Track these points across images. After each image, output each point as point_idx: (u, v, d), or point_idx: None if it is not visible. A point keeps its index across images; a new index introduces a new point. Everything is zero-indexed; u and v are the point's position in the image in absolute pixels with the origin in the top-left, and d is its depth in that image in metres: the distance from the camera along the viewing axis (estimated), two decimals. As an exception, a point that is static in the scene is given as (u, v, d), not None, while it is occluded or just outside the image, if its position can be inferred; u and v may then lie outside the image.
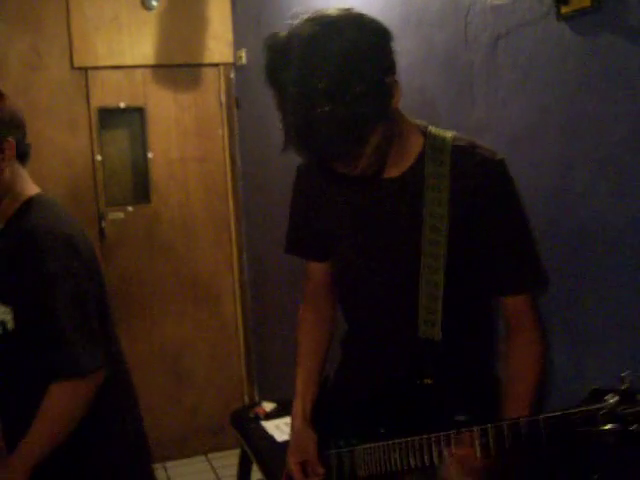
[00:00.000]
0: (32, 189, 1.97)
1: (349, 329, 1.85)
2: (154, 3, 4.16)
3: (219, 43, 4.34)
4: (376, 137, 1.44)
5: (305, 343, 1.95)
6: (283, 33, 1.43)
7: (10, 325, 1.85)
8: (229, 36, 4.35)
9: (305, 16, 1.44)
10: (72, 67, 4.12)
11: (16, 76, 4.03)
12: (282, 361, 4.06)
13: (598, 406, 1.15)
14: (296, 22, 1.43)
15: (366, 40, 1.41)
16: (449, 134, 1.61)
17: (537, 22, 1.90)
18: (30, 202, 1.92)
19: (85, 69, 4.15)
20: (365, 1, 2.66)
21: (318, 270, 1.91)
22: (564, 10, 1.81)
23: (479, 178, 1.55)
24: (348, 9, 1.46)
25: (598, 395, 1.16)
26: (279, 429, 3.26)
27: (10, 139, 1.87)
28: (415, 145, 1.60)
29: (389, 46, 1.47)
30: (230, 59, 4.36)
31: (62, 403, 1.84)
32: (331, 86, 1.35)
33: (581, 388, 1.21)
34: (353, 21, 1.43)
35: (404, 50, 2.46)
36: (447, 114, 2.29)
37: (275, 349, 4.23)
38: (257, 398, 4.53)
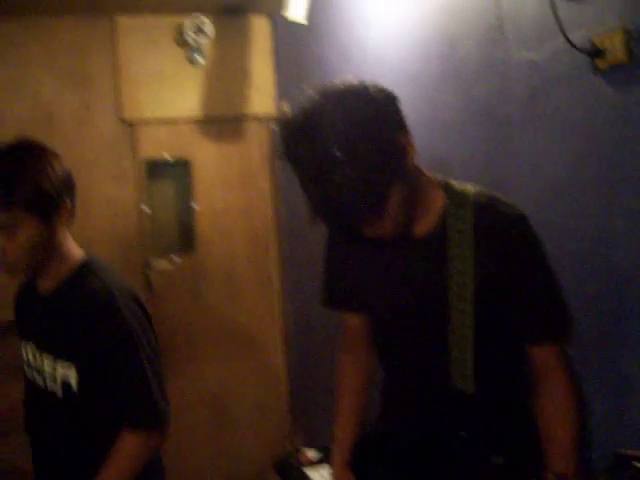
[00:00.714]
0: (79, 250, 2.00)
1: (386, 378, 1.87)
2: (199, 58, 4.27)
3: (262, 96, 4.42)
4: (395, 196, 1.48)
5: (343, 391, 1.99)
6: (294, 111, 1.51)
7: (74, 386, 1.87)
8: (272, 89, 4.43)
9: (312, 92, 1.51)
10: (120, 121, 4.23)
11: (66, 130, 4.16)
12: (325, 409, 4.04)
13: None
14: (304, 99, 1.51)
15: (371, 107, 1.48)
16: (470, 189, 1.65)
17: (573, 76, 1.93)
18: (86, 265, 1.96)
19: (132, 123, 4.26)
20: (403, 58, 2.73)
21: (354, 320, 1.94)
22: (600, 64, 1.84)
23: (501, 234, 1.58)
24: (353, 81, 1.53)
25: (623, 461, 1.15)
26: (322, 477, 3.25)
27: (66, 200, 1.91)
28: (437, 200, 1.64)
29: (396, 108, 1.53)
30: (273, 111, 4.43)
31: (136, 451, 1.90)
32: (343, 154, 1.41)
33: (624, 438, 1.20)
34: (357, 91, 1.50)
35: (442, 103, 2.51)
36: (484, 166, 2.31)
37: (318, 397, 4.22)
38: (300, 445, 4.51)
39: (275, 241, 4.52)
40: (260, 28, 4.41)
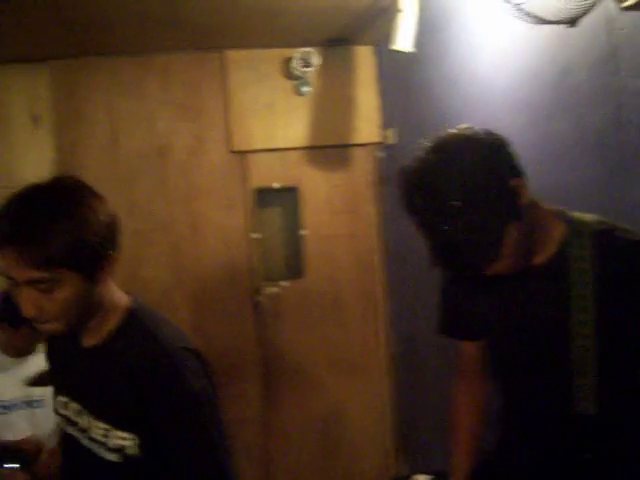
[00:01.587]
0: (123, 297, 1.78)
1: (504, 404, 1.89)
2: (306, 89, 4.38)
3: (367, 124, 4.50)
4: (510, 237, 1.55)
5: (460, 419, 2.03)
6: (411, 164, 1.60)
7: (131, 451, 1.67)
8: (377, 116, 4.50)
9: (427, 143, 1.61)
10: (230, 151, 4.38)
11: (179, 161, 4.34)
12: (432, 434, 4.05)
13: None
14: (419, 152, 1.60)
15: (483, 157, 1.55)
16: (589, 218, 1.69)
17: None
18: (133, 314, 1.75)
19: (242, 152, 4.40)
20: (513, 85, 2.73)
21: (470, 348, 1.98)
22: None
23: (621, 259, 1.60)
24: (465, 130, 1.61)
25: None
26: (435, 503, 3.25)
27: (110, 251, 1.65)
28: (556, 231, 1.68)
29: (507, 153, 1.61)
30: (378, 139, 4.50)
31: None
32: (458, 205, 1.50)
33: None
34: (470, 141, 1.58)
35: (554, 132, 2.51)
36: (599, 195, 2.30)
37: (424, 422, 4.22)
38: (406, 470, 4.51)
39: (380, 266, 4.57)
40: (364, 57, 4.50)
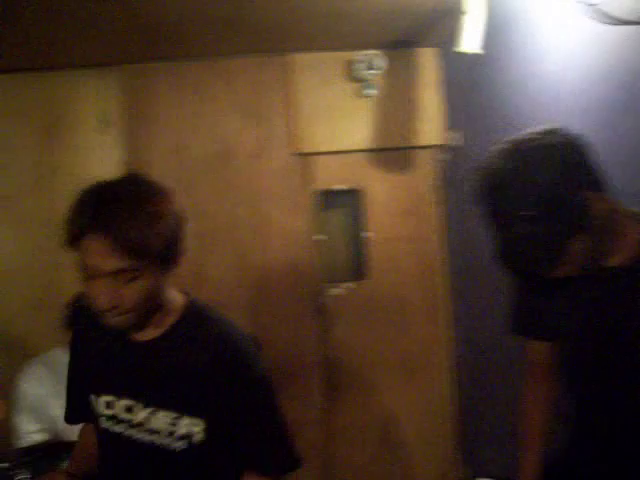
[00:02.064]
0: (178, 293, 1.84)
1: (576, 405, 1.86)
2: (369, 92, 4.38)
3: (431, 126, 4.47)
4: (576, 246, 1.55)
5: (529, 418, 2.03)
6: (491, 166, 1.61)
7: (198, 437, 1.73)
8: (441, 118, 4.47)
9: (504, 147, 1.61)
10: (294, 154, 4.41)
11: (243, 164, 4.39)
12: (494, 438, 4.02)
13: None
14: (497, 154, 1.61)
15: (560, 167, 1.55)
16: None
17: None
18: (191, 308, 1.81)
19: (306, 155, 4.42)
20: (582, 87, 2.70)
21: (541, 350, 1.97)
22: None
23: None
24: (544, 134, 1.61)
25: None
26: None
27: (181, 248, 1.72)
28: (633, 233, 1.67)
29: (584, 161, 1.59)
30: (442, 141, 4.47)
31: None
32: (527, 211, 1.52)
33: None
34: (548, 149, 1.57)
35: (625, 134, 2.46)
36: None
37: (486, 427, 4.19)
38: (467, 474, 4.48)
39: (443, 268, 4.54)
40: (429, 59, 4.48)
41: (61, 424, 3.56)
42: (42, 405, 3.55)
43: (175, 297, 1.81)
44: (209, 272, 4.27)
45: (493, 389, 4.03)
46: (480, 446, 4.36)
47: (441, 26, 4.01)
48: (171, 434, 1.73)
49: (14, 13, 3.46)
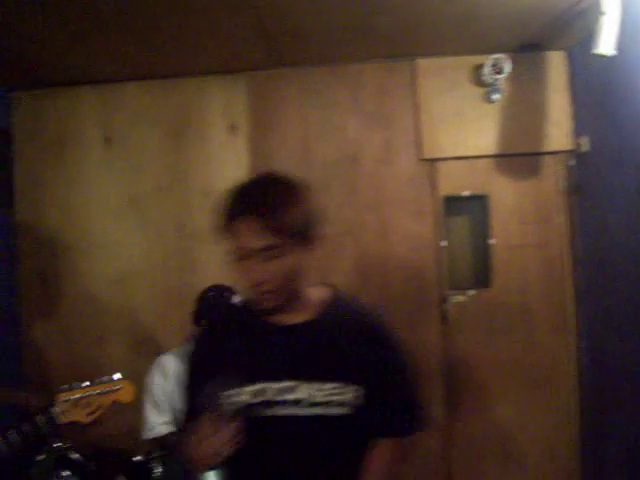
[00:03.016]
0: (322, 286, 2.06)
1: None
2: (496, 96, 4.33)
3: (558, 131, 4.37)
4: None
5: None
6: None
7: (359, 401, 1.94)
8: (568, 124, 4.37)
9: None
10: (420, 159, 4.40)
11: (369, 169, 4.40)
12: (620, 453, 3.87)
13: None
14: None
15: None
16: None
17: None
18: (335, 293, 2.04)
19: (432, 160, 4.41)
20: None
21: None
22: None
23: None
24: None
25: None
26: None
27: (320, 234, 1.92)
28: None
29: None
30: (569, 146, 4.36)
31: (401, 456, 2.06)
32: None
33: None
34: None
35: None
36: None
37: (611, 445, 4.03)
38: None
39: (571, 277, 4.42)
40: (556, 62, 4.39)
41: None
42: (169, 398, 3.69)
43: (319, 289, 2.03)
44: (332, 276, 4.27)
45: (622, 403, 3.88)
46: (605, 463, 4.20)
47: (571, 28, 3.94)
48: (337, 403, 1.92)
49: (149, 24, 3.58)
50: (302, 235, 1.84)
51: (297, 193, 1.88)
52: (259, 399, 1.91)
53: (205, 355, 2.05)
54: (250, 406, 1.91)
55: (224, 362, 1.96)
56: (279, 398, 1.91)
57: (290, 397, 1.91)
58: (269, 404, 1.91)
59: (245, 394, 1.91)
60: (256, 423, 1.90)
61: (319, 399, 1.91)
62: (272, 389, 1.91)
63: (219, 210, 1.85)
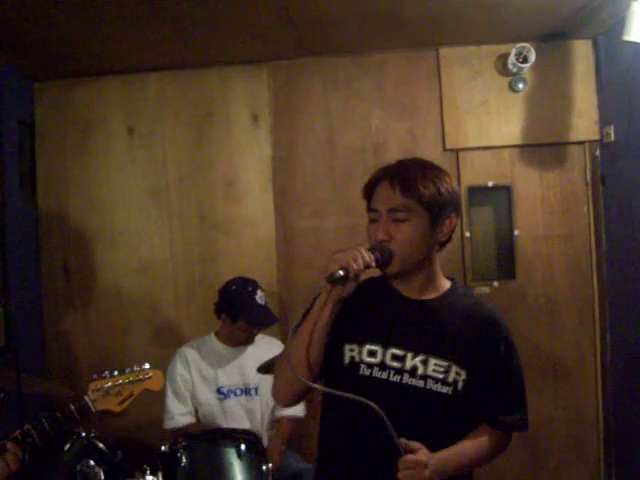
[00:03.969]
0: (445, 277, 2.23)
1: None
2: (521, 86, 4.29)
3: (584, 121, 4.32)
4: None
5: None
6: None
7: (460, 386, 2.04)
8: (594, 114, 4.32)
9: None
10: (444, 149, 4.38)
11: (393, 159, 4.33)
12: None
13: None
14: None
15: None
16: None
17: None
18: (458, 284, 2.20)
19: (456, 150, 4.38)
20: None
21: None
22: None
23: None
24: None
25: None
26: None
27: (452, 215, 2.07)
28: None
29: None
30: (595, 136, 4.31)
31: (496, 450, 2.18)
32: None
33: None
34: None
35: None
36: None
37: (638, 434, 4.00)
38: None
39: (597, 268, 4.38)
40: (581, 51, 4.34)
41: (209, 409, 3.69)
42: (190, 389, 3.72)
43: (444, 278, 2.18)
44: (357, 267, 4.26)
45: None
46: (631, 456, 4.17)
47: (599, 16, 3.89)
48: (440, 380, 2.04)
49: (173, 13, 3.57)
50: (431, 209, 2.00)
51: (433, 170, 2.07)
52: (373, 360, 2.06)
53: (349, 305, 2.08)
54: (366, 365, 2.06)
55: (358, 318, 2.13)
56: (391, 363, 2.05)
57: (400, 365, 2.05)
58: (383, 366, 2.05)
59: (364, 353, 2.07)
60: (364, 383, 2.05)
61: (425, 372, 2.04)
62: (386, 353, 2.06)
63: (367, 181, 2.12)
